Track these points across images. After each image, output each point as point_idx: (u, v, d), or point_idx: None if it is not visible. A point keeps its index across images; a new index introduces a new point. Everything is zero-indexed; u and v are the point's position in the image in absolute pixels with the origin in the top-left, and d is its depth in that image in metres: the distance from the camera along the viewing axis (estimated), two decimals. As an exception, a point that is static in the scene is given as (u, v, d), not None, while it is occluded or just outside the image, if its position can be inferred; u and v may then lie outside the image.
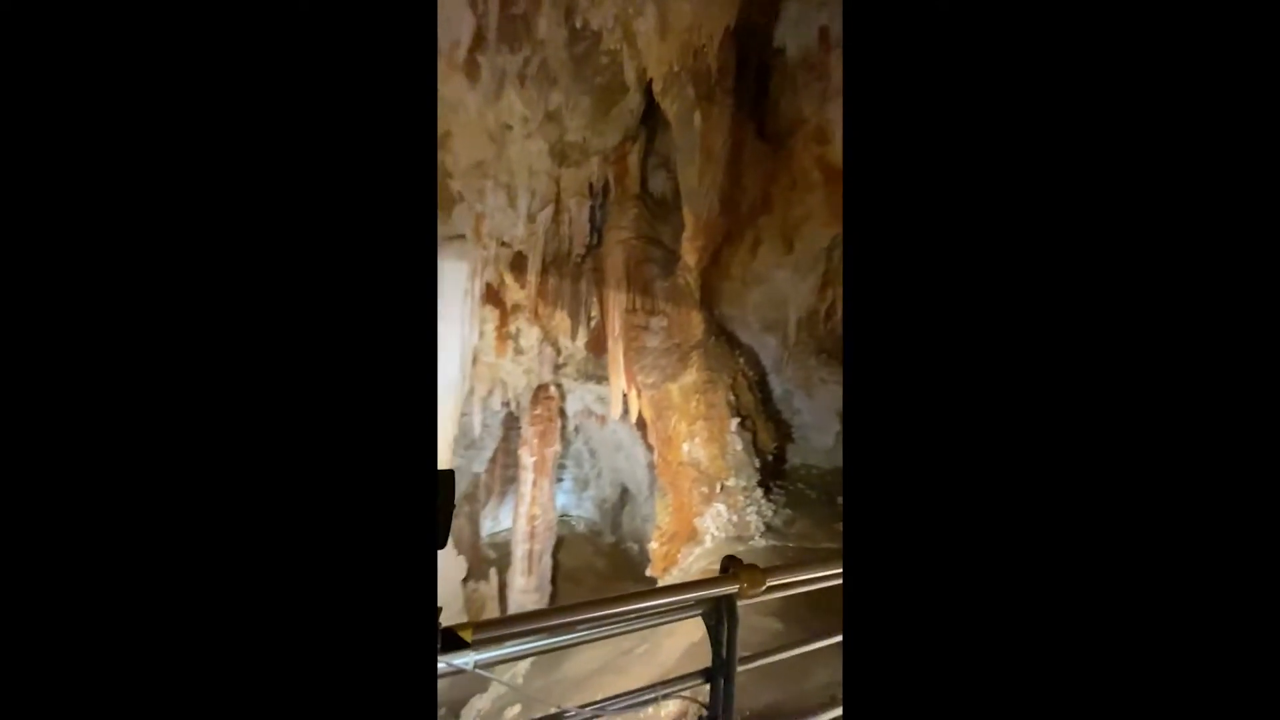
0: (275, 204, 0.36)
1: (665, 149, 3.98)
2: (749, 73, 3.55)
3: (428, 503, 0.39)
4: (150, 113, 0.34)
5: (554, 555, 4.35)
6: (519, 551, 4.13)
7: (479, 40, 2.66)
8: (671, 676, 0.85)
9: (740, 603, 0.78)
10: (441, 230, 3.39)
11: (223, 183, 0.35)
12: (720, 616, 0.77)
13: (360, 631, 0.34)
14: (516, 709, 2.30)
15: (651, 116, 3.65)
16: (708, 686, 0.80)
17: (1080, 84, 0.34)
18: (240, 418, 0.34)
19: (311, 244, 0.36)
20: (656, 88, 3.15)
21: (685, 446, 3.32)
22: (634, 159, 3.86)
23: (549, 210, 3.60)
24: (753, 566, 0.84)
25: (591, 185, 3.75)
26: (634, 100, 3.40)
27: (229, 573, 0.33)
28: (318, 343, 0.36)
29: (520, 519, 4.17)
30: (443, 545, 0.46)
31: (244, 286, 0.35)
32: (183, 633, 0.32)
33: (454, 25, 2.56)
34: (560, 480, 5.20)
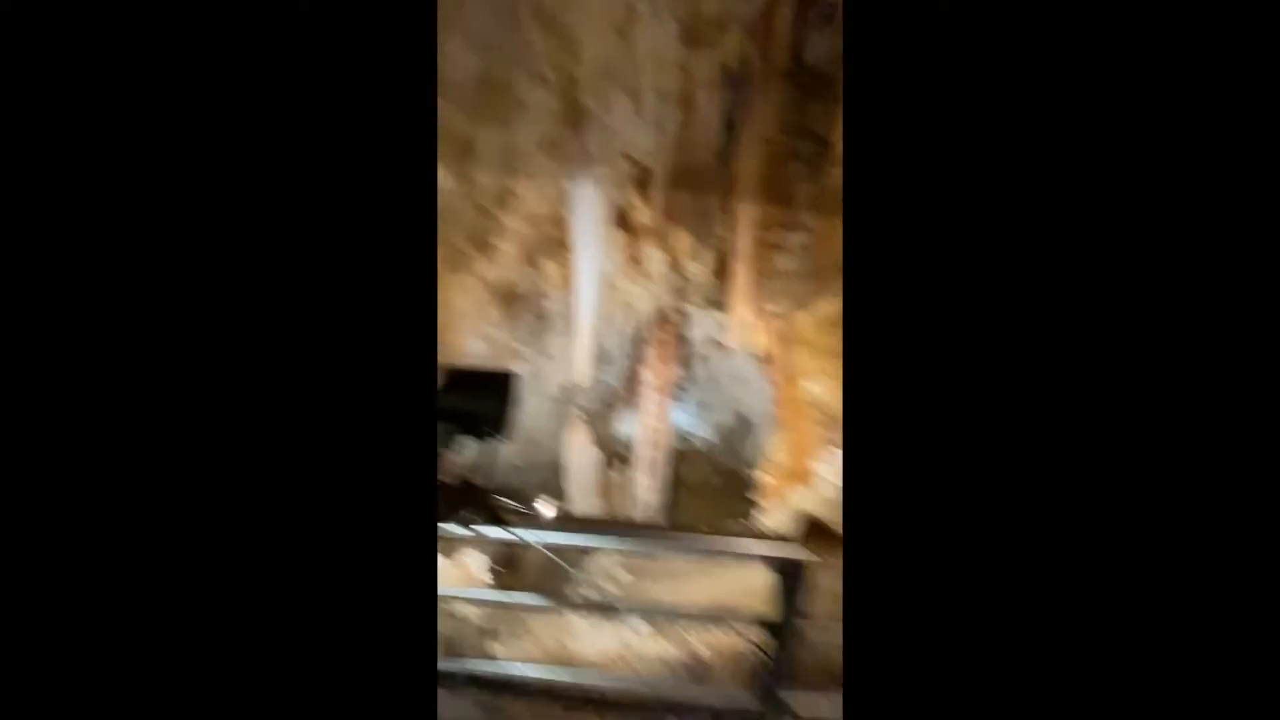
0: (273, 195, 0.35)
1: (837, -12, 2.92)
2: None
3: (428, 499, 0.39)
4: (152, 110, 0.33)
5: (674, 466, 4.85)
6: (643, 456, 4.74)
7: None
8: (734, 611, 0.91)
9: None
10: (575, 152, 3.47)
11: (219, 175, 0.34)
12: (792, 579, 0.78)
13: (359, 628, 0.34)
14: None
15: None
16: (771, 637, 0.83)
17: (1080, 84, 0.34)
18: (235, 409, 0.34)
19: (311, 233, 0.35)
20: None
21: (808, 384, 2.96)
22: (785, 15, 2.98)
23: (677, 112, 3.23)
24: (833, 536, 0.77)
25: (726, 68, 3.13)
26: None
27: (224, 566, 0.33)
28: (317, 334, 0.35)
29: (645, 429, 4.70)
30: (502, 434, 0.57)
31: (242, 278, 0.34)
32: (176, 626, 0.32)
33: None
34: (680, 400, 5.53)
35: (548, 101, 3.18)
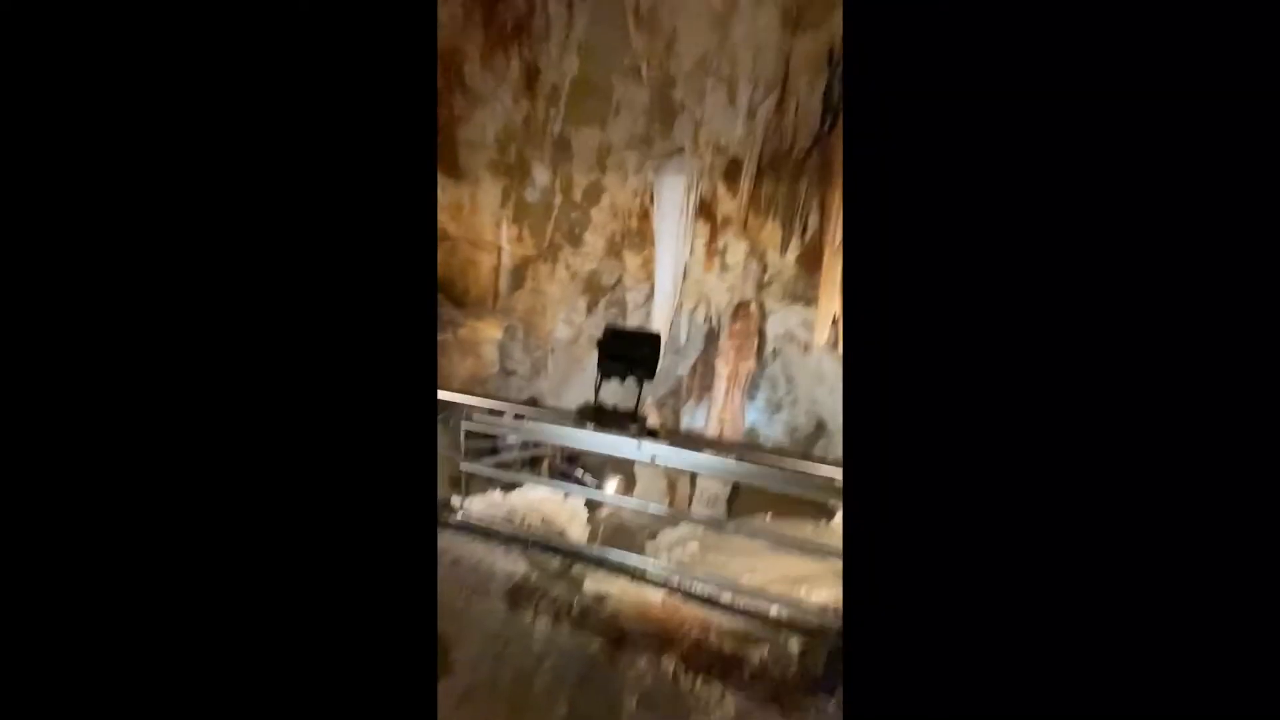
0: (274, 194, 0.35)
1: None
2: None
3: (428, 494, 0.39)
4: (152, 108, 0.33)
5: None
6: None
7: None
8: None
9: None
10: (661, 146, 3.57)
11: (222, 174, 0.34)
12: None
13: (359, 623, 0.34)
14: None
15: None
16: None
17: (1079, 84, 0.33)
18: (240, 404, 0.34)
19: (311, 231, 0.35)
20: None
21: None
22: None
23: (772, 99, 3.14)
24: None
25: (831, 53, 2.95)
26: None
27: (223, 557, 0.33)
28: (317, 332, 0.35)
29: (711, 420, 4.70)
30: (650, 378, 0.88)
31: (245, 274, 0.34)
32: (178, 621, 0.32)
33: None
34: (752, 398, 5.40)
35: (641, 98, 3.32)
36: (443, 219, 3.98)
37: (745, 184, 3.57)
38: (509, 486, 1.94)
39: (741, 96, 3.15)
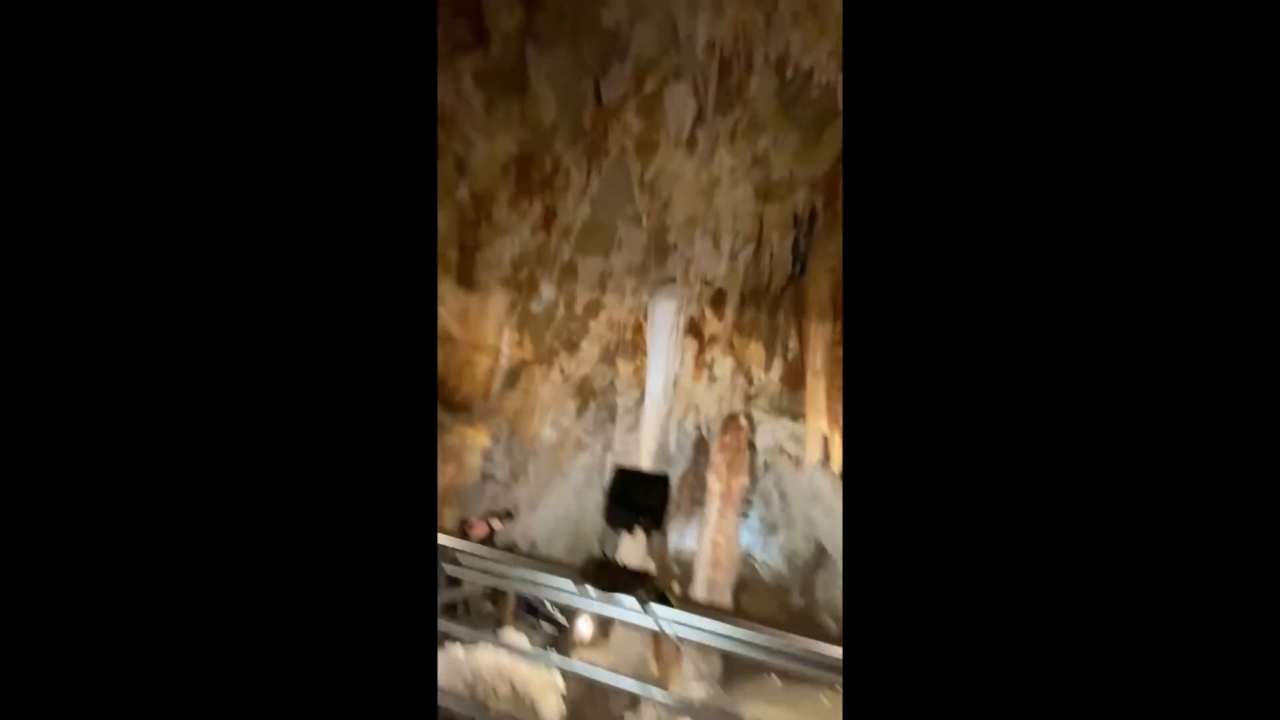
0: (275, 208, 0.35)
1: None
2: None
3: (429, 513, 0.39)
4: (153, 113, 0.33)
5: (735, 596, 4.20)
6: (700, 574, 4.23)
7: (699, 119, 3.20)
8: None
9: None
10: (656, 274, 4.10)
11: (221, 188, 0.34)
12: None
13: (361, 640, 0.34)
14: None
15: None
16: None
17: (1081, 86, 0.32)
18: (244, 422, 0.33)
19: (316, 254, 0.35)
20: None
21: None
22: (848, 178, 3.57)
23: (750, 248, 3.78)
24: None
25: (796, 216, 3.71)
26: (850, 118, 3.20)
27: (228, 577, 0.32)
28: (321, 349, 0.35)
29: (705, 542, 4.29)
30: (659, 528, 0.72)
31: (248, 290, 0.34)
32: (186, 637, 0.32)
33: (680, 113, 3.20)
34: (745, 515, 5.04)
35: (640, 239, 3.95)
36: (450, 322, 4.22)
37: (730, 311, 4.02)
38: (472, 641, 1.61)
39: (724, 245, 3.79)
